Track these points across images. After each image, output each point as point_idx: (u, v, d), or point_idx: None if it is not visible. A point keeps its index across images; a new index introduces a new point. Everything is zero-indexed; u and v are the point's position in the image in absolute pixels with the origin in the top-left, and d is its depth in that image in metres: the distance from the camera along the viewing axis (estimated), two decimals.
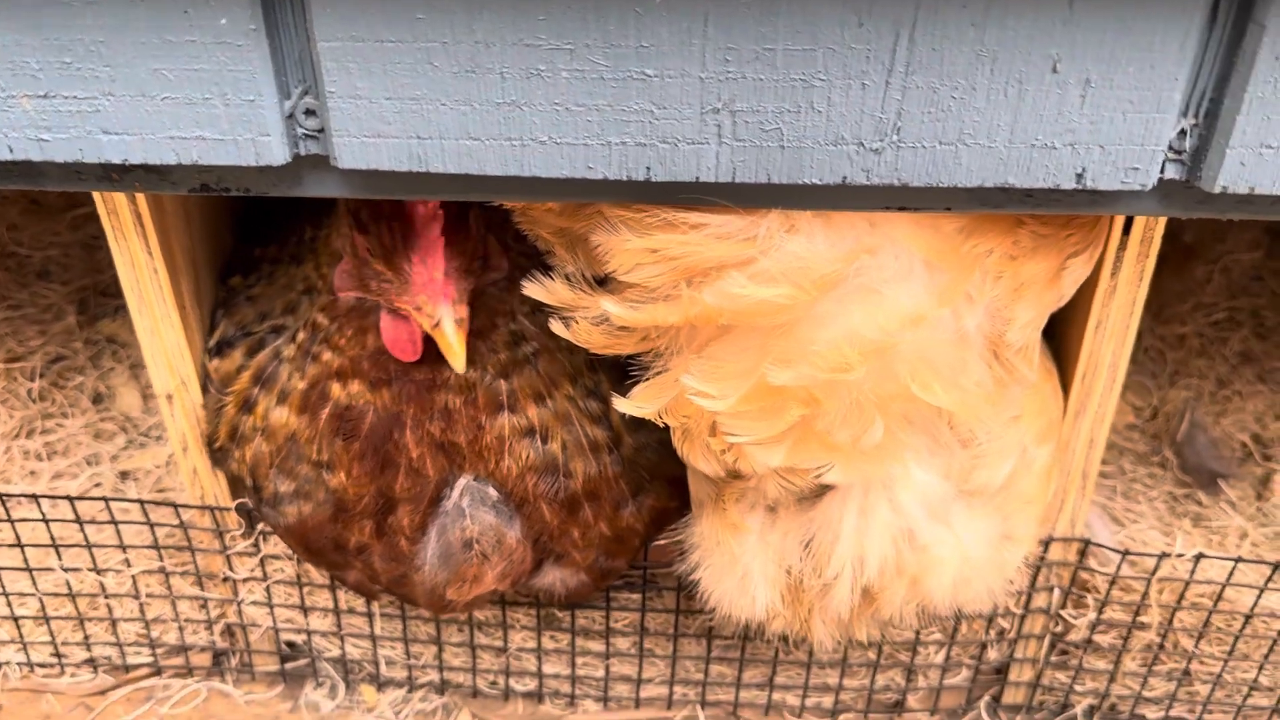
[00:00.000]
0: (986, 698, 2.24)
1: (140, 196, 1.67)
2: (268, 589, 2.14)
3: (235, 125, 1.31)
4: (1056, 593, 2.07)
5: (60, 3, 1.23)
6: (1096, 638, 2.11)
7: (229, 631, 2.26)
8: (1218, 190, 1.31)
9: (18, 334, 2.76)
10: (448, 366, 1.63)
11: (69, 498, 2.05)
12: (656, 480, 1.86)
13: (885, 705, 2.25)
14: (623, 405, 1.54)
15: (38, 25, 1.25)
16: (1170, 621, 2.06)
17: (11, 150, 1.34)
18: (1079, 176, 1.33)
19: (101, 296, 2.90)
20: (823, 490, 1.70)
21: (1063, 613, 2.08)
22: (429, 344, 1.65)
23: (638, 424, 1.82)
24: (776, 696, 2.21)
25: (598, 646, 2.18)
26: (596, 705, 2.24)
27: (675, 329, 1.51)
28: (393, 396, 1.71)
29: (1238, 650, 2.07)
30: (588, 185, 1.38)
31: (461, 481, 1.77)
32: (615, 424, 1.83)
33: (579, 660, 2.19)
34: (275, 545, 2.12)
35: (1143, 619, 2.07)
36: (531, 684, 2.22)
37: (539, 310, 1.72)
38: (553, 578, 1.89)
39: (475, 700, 2.25)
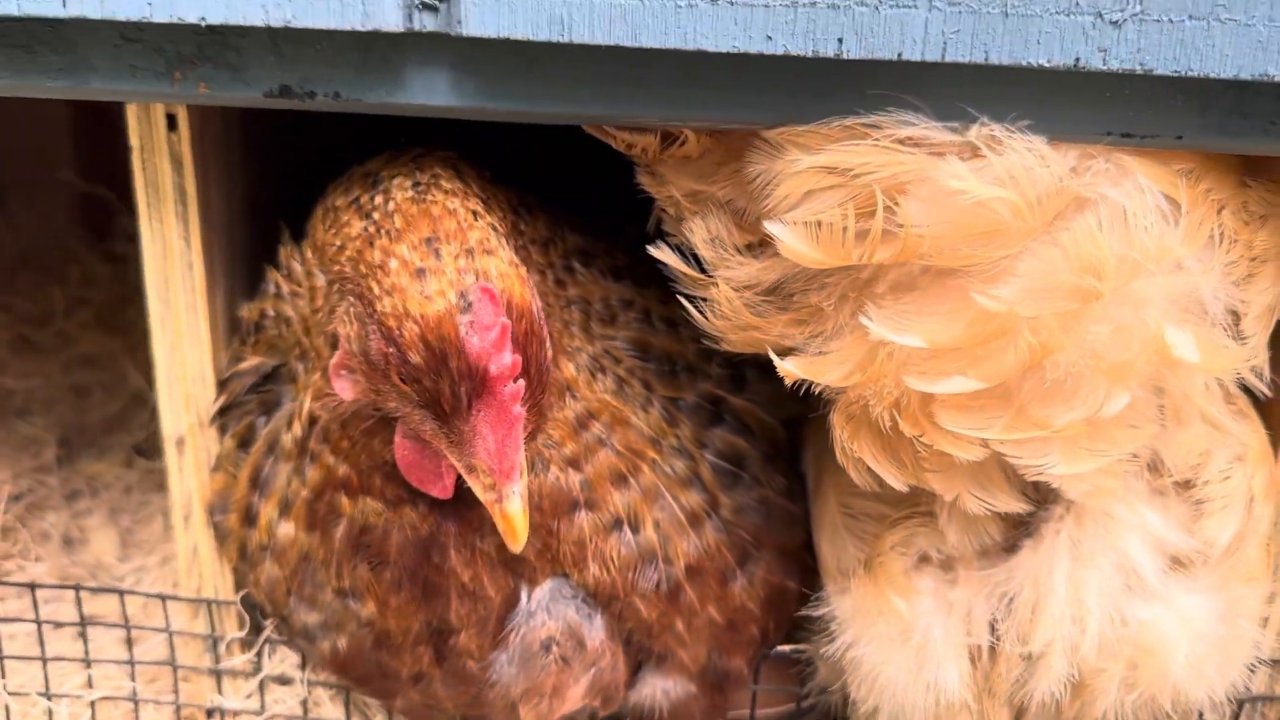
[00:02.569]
0: None
1: (188, 162, 1.41)
2: None
3: None
4: None
5: None
6: None
7: None
8: None
9: None
10: None
11: (30, 585, 1.63)
12: (764, 549, 1.50)
13: None
14: (792, 366, 1.21)
15: None
16: None
17: (65, 3, 1.10)
18: None
19: (85, 435, 2.55)
20: (1014, 543, 1.35)
21: None
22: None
23: (733, 480, 1.50)
24: None
25: None
26: None
27: (845, 291, 1.22)
28: (421, 516, 1.35)
29: None
30: (763, 65, 1.13)
31: (542, 587, 1.40)
32: (707, 481, 1.48)
33: None
34: (281, 663, 1.67)
35: None
36: None
37: (600, 370, 1.45)
38: (653, 689, 1.47)
39: None
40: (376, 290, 1.21)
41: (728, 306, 1.27)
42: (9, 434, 2.52)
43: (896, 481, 1.25)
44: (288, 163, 1.73)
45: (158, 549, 2.28)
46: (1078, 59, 1.09)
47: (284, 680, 1.69)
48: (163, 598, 1.63)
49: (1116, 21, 1.08)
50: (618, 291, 1.57)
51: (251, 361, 1.53)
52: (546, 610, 1.39)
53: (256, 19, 1.10)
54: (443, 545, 1.35)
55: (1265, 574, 1.46)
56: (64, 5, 1.10)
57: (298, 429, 1.42)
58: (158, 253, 1.45)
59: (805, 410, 1.57)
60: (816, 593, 1.53)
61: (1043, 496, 1.29)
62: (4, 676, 1.68)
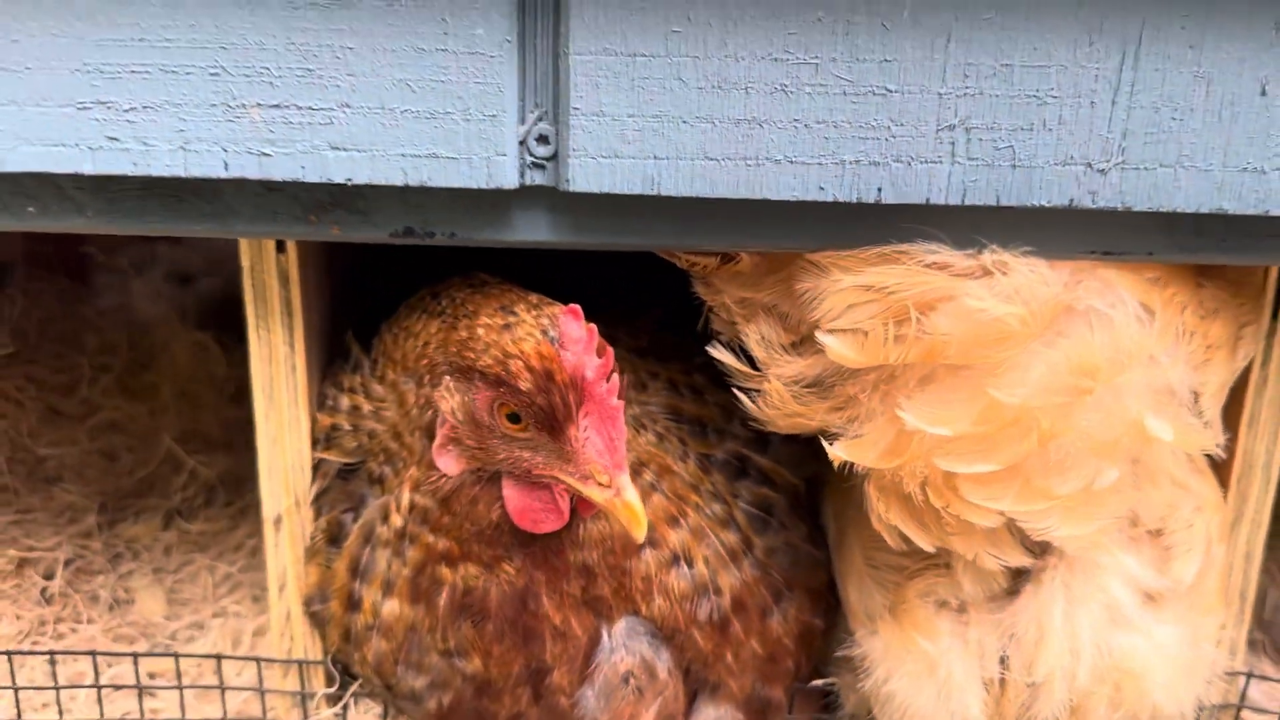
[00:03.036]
0: None
1: (294, 280, 1.60)
2: None
3: (472, 143, 1.30)
4: None
5: (315, 4, 1.23)
6: None
7: None
8: None
9: (31, 535, 2.52)
10: (578, 523, 1.55)
11: (133, 654, 1.79)
12: (795, 590, 1.72)
13: None
14: (839, 450, 1.45)
15: (287, 28, 1.24)
16: None
17: (227, 166, 1.30)
18: None
19: (119, 499, 2.68)
20: (1016, 588, 1.59)
21: None
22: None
23: (763, 525, 1.73)
24: None
25: None
26: None
27: (876, 383, 1.46)
28: (517, 570, 1.57)
29: None
30: (815, 211, 1.37)
31: (619, 625, 1.62)
32: (741, 524, 1.71)
33: None
34: (363, 715, 1.85)
35: None
36: None
37: (642, 427, 1.67)
38: (707, 718, 1.69)
39: None
40: (473, 356, 1.47)
41: (777, 398, 1.50)
42: (48, 501, 2.65)
43: (924, 543, 1.49)
44: (360, 286, 1.95)
45: (203, 607, 2.44)
46: (1072, 200, 1.35)
47: None
48: (258, 660, 1.80)
49: (1103, 170, 1.34)
50: (645, 366, 1.81)
51: (333, 456, 1.72)
52: (624, 646, 1.61)
53: (396, 179, 1.30)
54: (536, 594, 1.56)
55: (1221, 605, 1.73)
56: (225, 168, 1.29)
57: (396, 519, 1.61)
58: (264, 356, 1.64)
59: (823, 470, 1.82)
60: (840, 633, 1.77)
61: (1041, 549, 1.53)
62: None
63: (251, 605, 2.40)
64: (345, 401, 1.71)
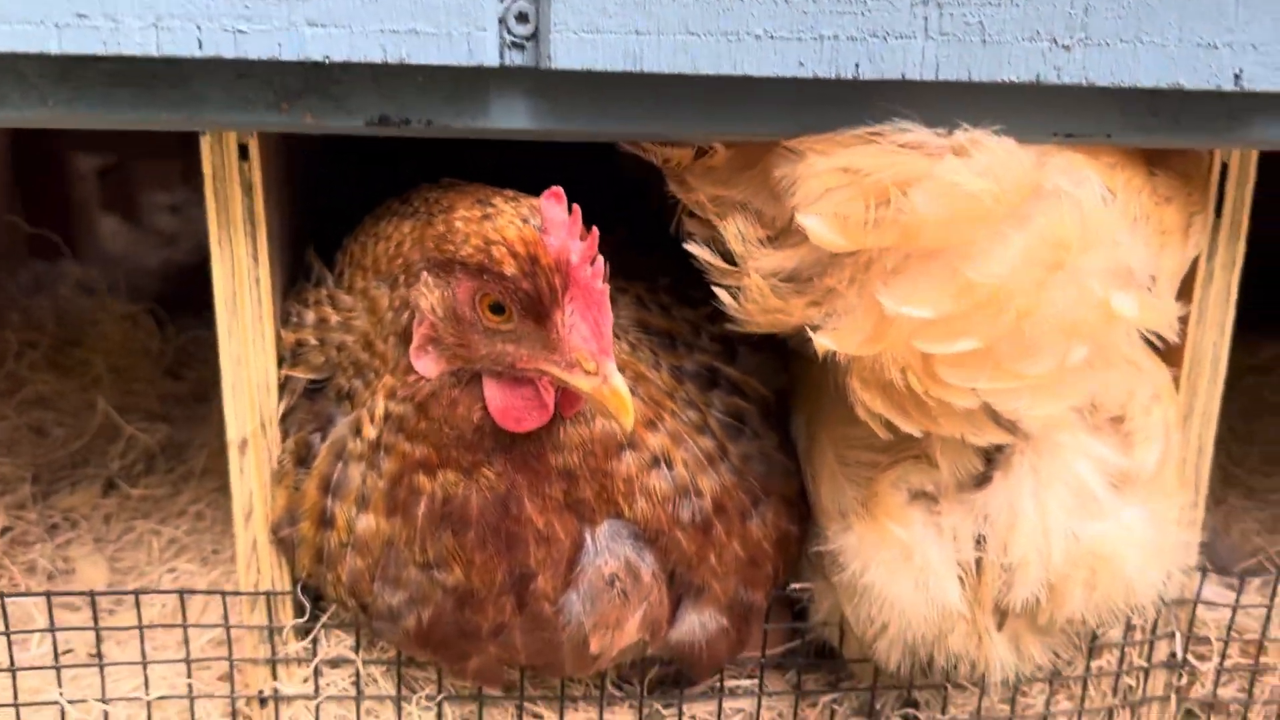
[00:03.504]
0: None
1: (257, 188, 1.56)
2: (317, 709, 1.80)
3: (451, 17, 1.29)
4: (1178, 636, 1.97)
5: None
6: (1220, 692, 2.00)
7: None
8: None
9: None
10: (559, 426, 1.53)
11: (89, 593, 1.72)
12: (771, 496, 1.73)
13: None
14: (824, 339, 1.46)
15: None
16: None
17: (201, 44, 1.27)
18: (1236, 77, 1.43)
19: (54, 472, 2.58)
20: (987, 474, 1.63)
21: (1189, 656, 1.97)
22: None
23: (736, 432, 1.74)
24: None
25: None
26: None
27: (853, 275, 1.48)
28: (498, 475, 1.54)
29: None
30: (793, 91, 1.39)
31: (601, 528, 1.60)
32: (716, 431, 1.71)
33: None
34: (334, 647, 1.81)
35: (1265, 659, 1.99)
36: None
37: (614, 337, 1.66)
38: (691, 624, 1.68)
39: None
40: (452, 248, 1.44)
41: (756, 292, 1.51)
42: None
43: (909, 428, 1.51)
44: (316, 207, 1.92)
45: (150, 571, 2.35)
46: (1038, 75, 1.39)
47: (336, 664, 1.82)
48: (223, 594, 1.74)
49: (1067, 46, 1.38)
50: (612, 282, 1.79)
51: (300, 372, 1.68)
52: (608, 549, 1.59)
53: (375, 56, 1.28)
54: (518, 498, 1.53)
55: (1179, 490, 1.78)
56: (199, 46, 1.26)
57: (370, 430, 1.58)
58: (227, 270, 1.59)
59: (791, 382, 1.84)
60: (812, 542, 1.79)
61: (1013, 427, 1.56)
62: (60, 686, 1.76)
63: (200, 566, 2.32)
64: (311, 315, 1.68)
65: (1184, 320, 1.80)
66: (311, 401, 1.69)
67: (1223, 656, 2.00)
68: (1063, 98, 1.45)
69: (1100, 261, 1.46)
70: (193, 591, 1.77)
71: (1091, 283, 1.46)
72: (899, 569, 1.60)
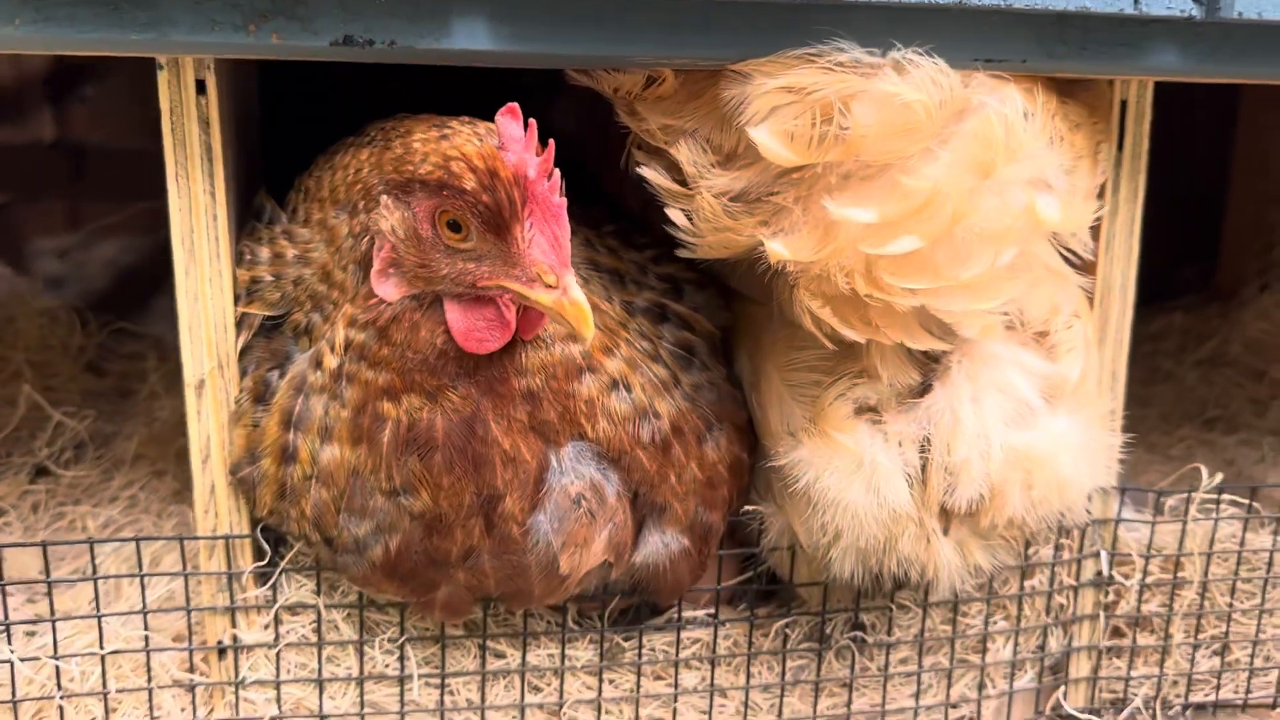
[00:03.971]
0: (1049, 711, 2.15)
1: (214, 123, 1.58)
2: (277, 656, 1.79)
3: None
4: (1103, 555, 2.09)
5: None
6: (1143, 608, 2.12)
7: None
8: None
9: None
10: (520, 350, 1.58)
11: (42, 544, 1.69)
12: (724, 423, 1.80)
13: None
14: (777, 246, 1.53)
15: None
16: (1206, 570, 2.12)
17: None
18: (1136, 1, 1.57)
19: None
20: (926, 384, 1.72)
21: (1116, 574, 2.09)
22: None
23: (687, 363, 1.80)
24: None
25: (661, 688, 1.94)
26: None
27: (798, 194, 1.57)
28: (462, 398, 1.57)
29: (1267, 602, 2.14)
30: (741, 12, 1.48)
31: (565, 449, 1.65)
32: (668, 360, 1.78)
33: (641, 709, 1.92)
34: (295, 593, 1.80)
35: (1182, 574, 2.12)
36: None
37: None
38: (655, 545, 1.73)
39: None
40: (411, 167, 1.48)
41: (709, 211, 1.59)
42: None
43: (855, 335, 1.59)
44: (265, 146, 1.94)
45: (86, 553, 2.30)
46: None
47: (295, 610, 1.81)
48: (181, 539, 1.73)
49: None
50: None
51: (255, 309, 1.69)
52: (573, 470, 1.63)
53: None
54: (484, 419, 1.56)
55: (1098, 404, 1.91)
56: None
57: (331, 360, 1.60)
58: (184, 206, 1.61)
59: (734, 319, 1.92)
60: (761, 468, 1.86)
61: (949, 336, 1.66)
62: (10, 642, 1.72)
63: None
64: (265, 252, 1.69)
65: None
66: (268, 340, 1.70)
67: (1144, 573, 2.13)
68: (983, 22, 1.56)
69: (1024, 172, 1.58)
70: (149, 538, 1.76)
71: (1016, 190, 1.57)
72: (850, 475, 1.68)
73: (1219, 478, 2.10)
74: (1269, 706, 2.23)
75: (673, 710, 1.94)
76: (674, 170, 1.63)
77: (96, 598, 1.73)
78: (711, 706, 1.95)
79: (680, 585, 1.78)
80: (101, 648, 1.74)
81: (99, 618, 1.74)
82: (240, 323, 1.69)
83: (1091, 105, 1.80)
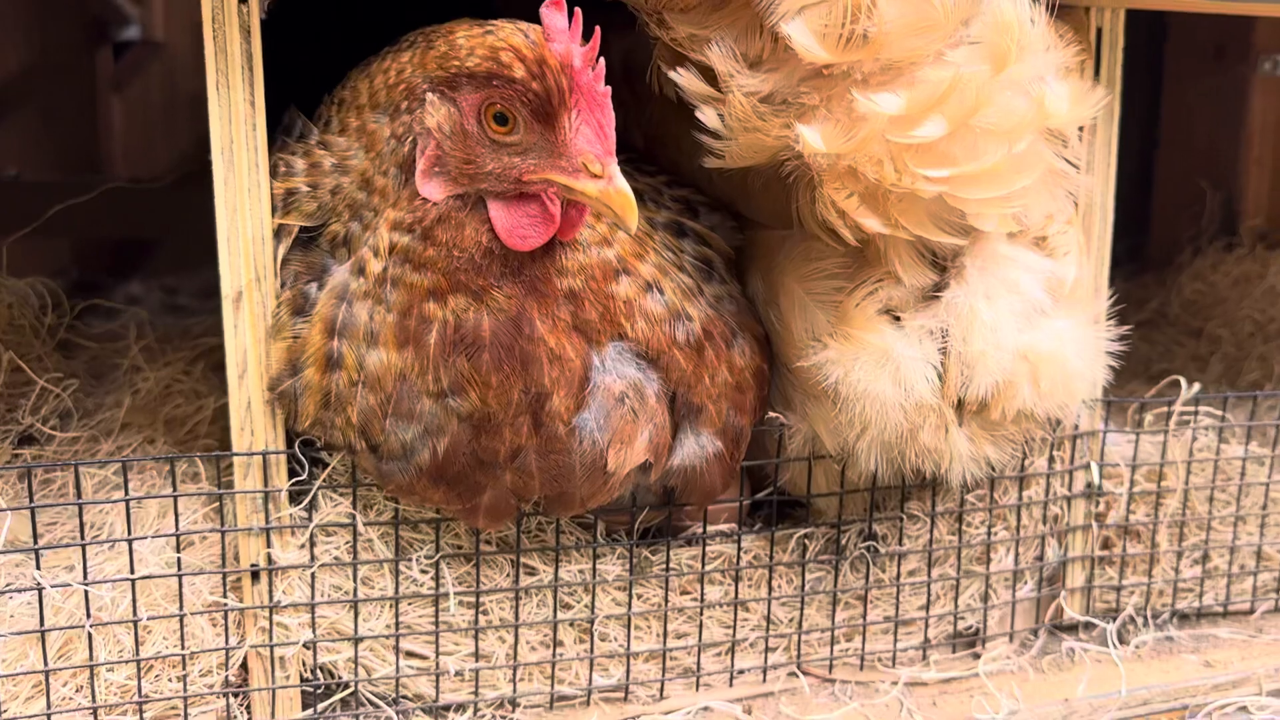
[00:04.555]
0: (1049, 621, 2.24)
1: (255, 34, 1.61)
2: (312, 577, 1.78)
3: None
4: (1093, 466, 2.20)
5: None
6: (1131, 519, 2.23)
7: (245, 668, 1.81)
8: None
9: None
10: (560, 252, 1.62)
11: (74, 464, 1.66)
12: (745, 332, 1.86)
13: (967, 637, 2.18)
14: (811, 138, 1.61)
15: None
16: (1187, 479, 2.24)
17: None
18: None
19: None
20: (942, 284, 1.81)
21: (1105, 483, 2.20)
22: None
23: (707, 275, 1.87)
24: (869, 647, 2.08)
25: (687, 602, 1.97)
26: (687, 688, 1.98)
27: (825, 95, 1.65)
28: (508, 297, 1.60)
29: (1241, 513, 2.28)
30: None
31: (607, 350, 1.69)
32: (690, 270, 1.84)
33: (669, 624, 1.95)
34: (333, 510, 1.80)
35: (1165, 484, 2.24)
36: (618, 672, 1.93)
37: None
38: (691, 447, 1.78)
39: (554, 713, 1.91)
40: (458, 62, 1.53)
41: (740, 109, 1.66)
42: None
43: (881, 228, 1.67)
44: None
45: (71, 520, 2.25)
46: None
47: (330, 531, 1.81)
48: (216, 455, 1.72)
49: None
50: None
51: (293, 220, 1.71)
52: (615, 370, 1.68)
53: None
54: (530, 318, 1.60)
55: (1093, 301, 2.02)
56: None
57: (375, 265, 1.62)
58: (224, 116, 1.62)
59: (745, 242, 2.00)
60: (778, 386, 1.93)
61: (965, 232, 1.75)
62: (39, 568, 1.68)
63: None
64: (300, 163, 1.71)
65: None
66: (304, 253, 1.71)
67: (1131, 483, 2.24)
68: None
69: (1030, 70, 1.69)
70: (183, 456, 1.75)
71: (1028, 88, 1.68)
72: (878, 369, 1.76)
73: (1196, 387, 2.23)
74: (1247, 613, 2.36)
75: (699, 624, 1.98)
76: (704, 77, 1.71)
77: (129, 519, 1.70)
78: (735, 620, 1.99)
79: (713, 490, 1.83)
80: (132, 572, 1.71)
81: (130, 541, 1.71)
82: (277, 235, 1.70)
83: (1074, 27, 1.93)
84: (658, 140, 2.11)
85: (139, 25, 4.55)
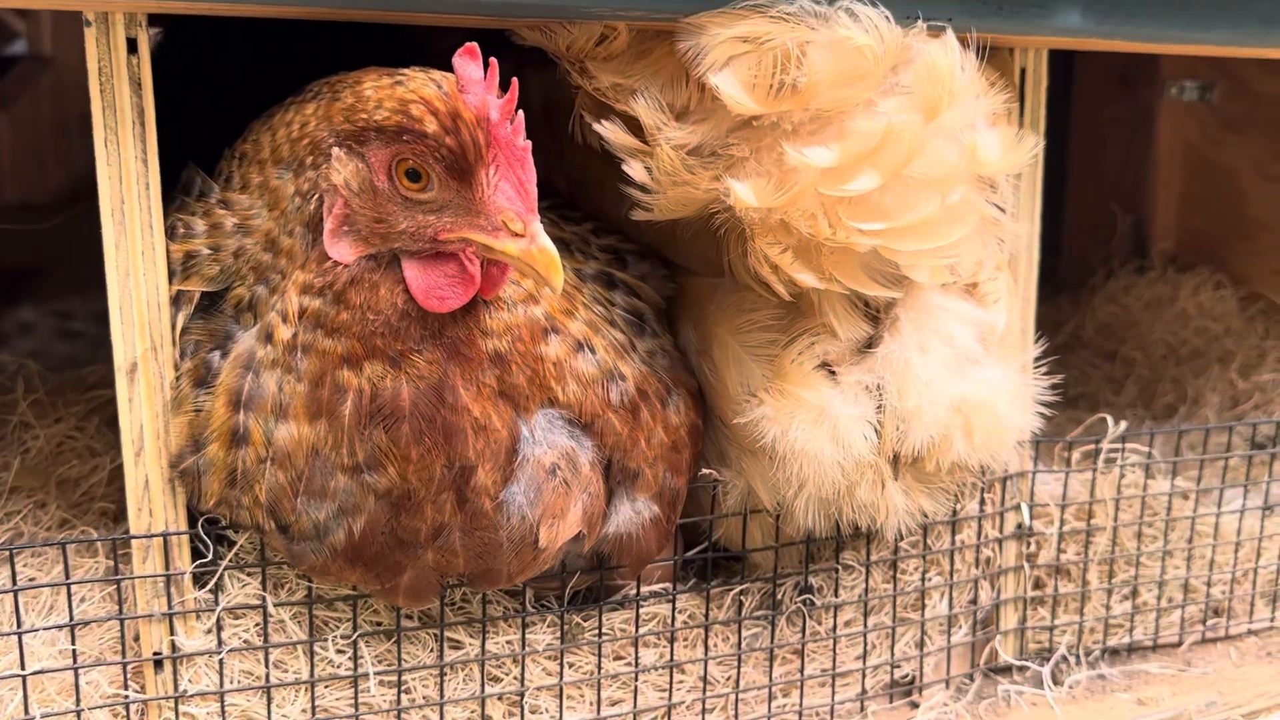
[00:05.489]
0: (984, 664, 2.22)
1: (147, 87, 1.49)
2: (220, 664, 1.66)
3: None
4: (1023, 507, 2.18)
5: None
6: (1061, 556, 2.22)
7: None
8: None
9: None
10: (483, 311, 1.53)
11: None
12: (679, 388, 1.79)
13: (904, 685, 2.14)
14: (742, 193, 1.55)
15: None
16: (1116, 515, 2.24)
17: None
18: None
19: None
20: (876, 337, 1.77)
21: (1036, 523, 2.19)
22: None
23: (639, 329, 1.80)
24: (807, 701, 2.02)
25: (621, 668, 1.90)
26: None
27: (754, 146, 1.60)
28: (428, 363, 1.50)
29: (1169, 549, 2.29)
30: None
31: (536, 417, 1.60)
32: (622, 325, 1.77)
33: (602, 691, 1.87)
34: (241, 591, 1.68)
35: (1095, 521, 2.23)
36: None
37: None
38: (627, 513, 1.70)
39: None
40: (365, 115, 1.43)
41: (669, 164, 1.60)
42: None
43: (815, 283, 1.62)
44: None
45: None
46: None
47: (238, 614, 1.69)
48: (114, 538, 1.59)
49: None
50: None
51: (193, 286, 1.59)
52: (546, 439, 1.59)
53: None
54: (453, 385, 1.50)
55: (1021, 348, 2.00)
56: None
57: (284, 332, 1.51)
58: (114, 175, 1.50)
59: (677, 292, 1.93)
60: (714, 439, 1.87)
61: (898, 284, 1.71)
62: None
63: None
64: (201, 224, 1.60)
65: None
66: (206, 319, 1.60)
67: (1061, 522, 2.23)
68: None
69: (962, 117, 1.65)
70: (78, 540, 1.61)
71: (960, 135, 1.64)
72: (815, 428, 1.70)
73: (1124, 425, 2.23)
74: (1175, 645, 2.37)
75: (633, 690, 1.90)
76: (629, 127, 1.64)
77: (17, 611, 1.57)
78: (671, 683, 1.92)
79: (649, 555, 1.76)
80: (23, 668, 1.57)
81: (19, 634, 1.57)
82: (176, 301, 1.58)
83: (999, 70, 1.91)
84: (581, 185, 2.04)
85: (25, 39, 4.34)
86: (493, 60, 1.41)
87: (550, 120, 1.92)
